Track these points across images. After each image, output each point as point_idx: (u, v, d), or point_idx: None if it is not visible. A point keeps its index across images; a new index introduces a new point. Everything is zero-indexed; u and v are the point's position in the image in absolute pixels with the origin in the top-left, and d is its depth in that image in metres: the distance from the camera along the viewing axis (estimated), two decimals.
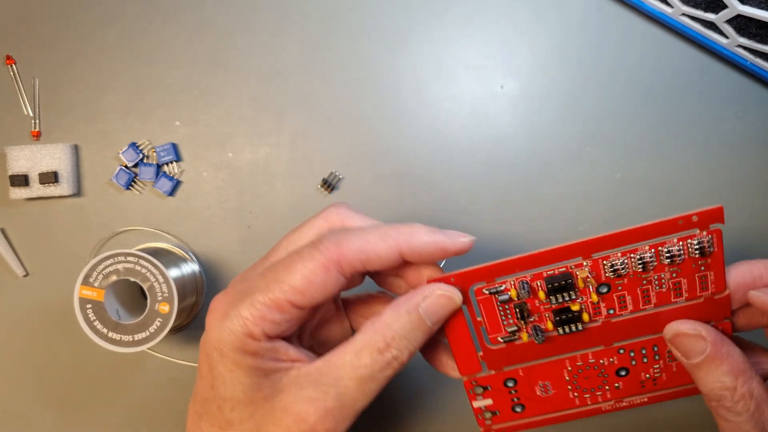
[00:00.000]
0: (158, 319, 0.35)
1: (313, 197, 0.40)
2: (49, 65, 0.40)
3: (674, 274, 0.26)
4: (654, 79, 0.39)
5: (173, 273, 0.36)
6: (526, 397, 0.29)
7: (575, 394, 0.29)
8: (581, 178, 0.39)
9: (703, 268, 0.26)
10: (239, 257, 0.40)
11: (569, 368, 0.28)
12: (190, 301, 0.38)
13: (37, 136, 0.40)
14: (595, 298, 0.26)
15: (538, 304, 0.27)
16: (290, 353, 0.26)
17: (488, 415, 0.30)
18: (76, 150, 0.40)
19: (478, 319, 0.27)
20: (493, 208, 0.39)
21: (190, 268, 0.39)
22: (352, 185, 0.40)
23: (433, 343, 0.30)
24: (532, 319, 0.27)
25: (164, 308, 0.35)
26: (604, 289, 0.26)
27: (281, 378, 0.25)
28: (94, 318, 0.34)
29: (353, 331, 0.31)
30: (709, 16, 0.34)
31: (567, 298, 0.26)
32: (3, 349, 0.41)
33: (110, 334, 0.34)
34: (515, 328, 0.27)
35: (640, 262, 0.25)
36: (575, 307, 0.26)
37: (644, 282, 0.26)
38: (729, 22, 0.34)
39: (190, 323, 0.40)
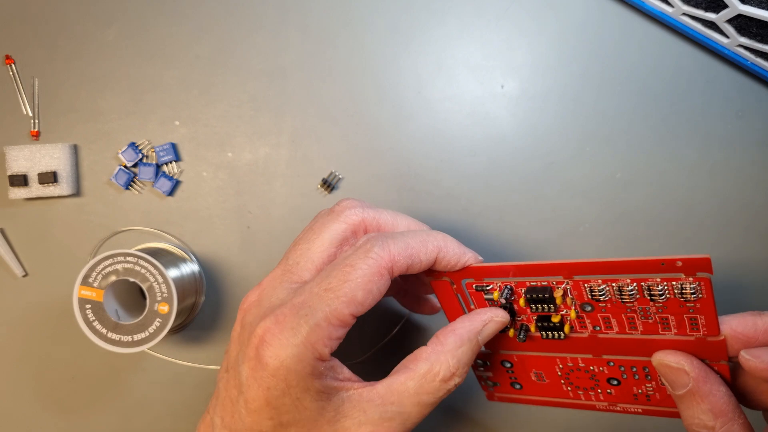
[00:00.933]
0: (157, 319, 0.34)
1: (313, 197, 0.40)
2: (49, 65, 0.40)
3: (660, 310, 0.25)
4: (654, 79, 0.39)
5: (172, 273, 0.36)
6: (523, 379, 0.30)
7: (568, 388, 0.29)
8: (581, 178, 0.39)
9: (692, 310, 0.24)
10: (239, 257, 0.40)
11: (560, 366, 0.29)
12: (190, 301, 0.38)
13: (37, 135, 0.40)
14: (573, 315, 0.26)
15: (524, 306, 0.27)
16: (345, 373, 0.26)
17: (489, 383, 0.31)
18: (75, 150, 0.40)
19: (472, 307, 0.29)
20: (493, 208, 0.39)
21: (190, 268, 0.39)
22: (352, 185, 0.40)
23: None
24: (519, 318, 0.28)
25: (163, 308, 0.35)
26: (588, 308, 0.26)
27: (343, 402, 0.25)
28: (94, 318, 0.34)
29: None
30: (710, 16, 0.34)
31: (546, 310, 0.27)
32: (2, 349, 0.41)
33: (109, 335, 0.34)
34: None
35: (619, 292, 0.25)
36: (556, 319, 0.27)
37: (628, 310, 0.25)
38: (730, 21, 0.34)
39: (189, 323, 0.40)
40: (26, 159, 0.39)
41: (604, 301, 0.25)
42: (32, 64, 0.40)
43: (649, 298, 0.24)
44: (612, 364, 0.28)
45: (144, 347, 0.34)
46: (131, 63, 0.40)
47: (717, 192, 0.38)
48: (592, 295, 0.25)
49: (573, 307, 0.26)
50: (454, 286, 0.28)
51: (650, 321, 0.25)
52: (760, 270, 0.38)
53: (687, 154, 0.39)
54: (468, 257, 0.27)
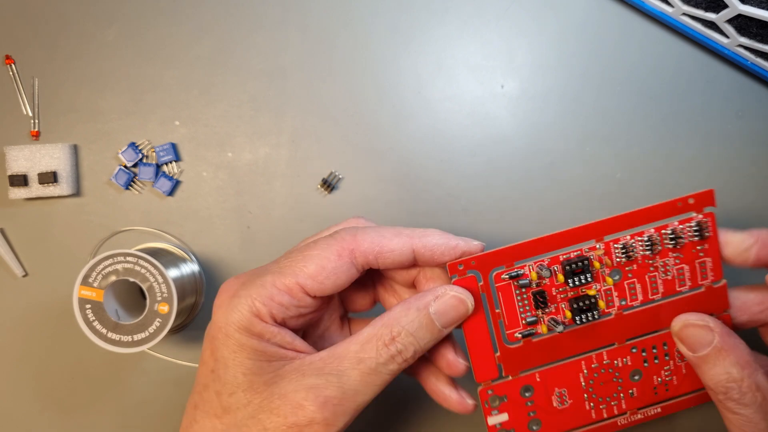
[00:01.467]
0: (157, 319, 0.34)
1: (313, 197, 0.40)
2: (49, 65, 0.40)
3: (677, 261, 0.27)
4: (654, 79, 0.39)
5: (172, 273, 0.36)
6: (543, 409, 0.29)
7: (591, 404, 0.29)
8: (582, 178, 0.39)
9: (702, 254, 0.27)
10: (239, 257, 0.40)
11: (585, 372, 0.28)
12: (190, 301, 0.38)
13: (37, 135, 0.40)
14: (610, 281, 0.27)
15: (555, 293, 0.27)
16: (296, 344, 0.26)
17: None
18: (75, 150, 0.40)
19: (497, 311, 0.27)
20: (493, 208, 0.39)
21: (190, 268, 0.39)
22: (352, 185, 0.40)
23: (431, 368, 0.29)
24: (549, 310, 0.27)
25: (163, 308, 0.35)
26: (616, 277, 0.27)
27: (284, 365, 0.25)
28: (94, 318, 0.34)
29: (345, 317, 0.32)
30: (710, 16, 0.34)
31: (584, 281, 0.26)
32: (2, 349, 0.41)
33: (109, 335, 0.34)
34: (534, 319, 0.27)
35: (648, 243, 0.27)
36: (592, 292, 0.27)
37: (651, 268, 0.27)
38: (730, 21, 0.34)
39: (189, 323, 0.40)
40: (26, 159, 0.39)
41: (633, 260, 0.27)
42: (32, 64, 0.40)
43: (671, 245, 0.27)
44: (635, 350, 0.28)
45: (144, 347, 0.34)
46: (131, 63, 0.40)
47: (717, 192, 0.38)
48: (624, 252, 0.27)
49: (607, 273, 0.27)
50: (481, 283, 0.27)
51: (669, 277, 0.27)
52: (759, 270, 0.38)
53: (687, 154, 0.39)
54: (458, 243, 0.26)
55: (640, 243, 0.27)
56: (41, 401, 0.41)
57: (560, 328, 0.27)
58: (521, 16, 0.39)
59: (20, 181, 0.39)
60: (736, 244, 0.27)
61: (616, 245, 0.27)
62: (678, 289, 0.28)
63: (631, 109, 0.39)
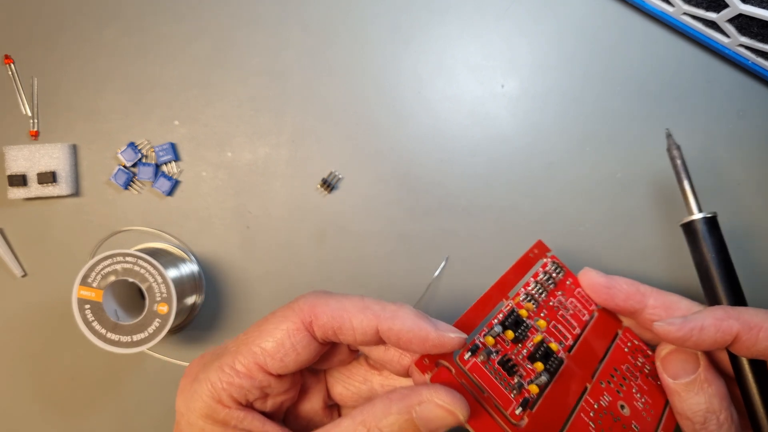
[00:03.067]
0: (157, 319, 0.34)
1: (313, 197, 0.40)
2: (48, 65, 0.40)
3: (564, 296, 0.30)
4: (655, 79, 0.38)
5: (172, 273, 0.35)
6: None
7: None
8: (582, 178, 0.39)
9: (573, 287, 0.31)
10: (238, 257, 0.40)
11: (592, 425, 0.27)
12: (189, 301, 0.38)
13: (36, 135, 0.40)
14: (543, 323, 0.28)
15: (514, 355, 0.26)
16: (267, 429, 0.24)
17: None
18: (74, 150, 0.40)
19: (485, 395, 0.25)
20: (493, 208, 0.39)
21: (189, 268, 0.39)
22: (352, 185, 0.40)
23: None
24: (522, 373, 0.26)
25: (163, 309, 0.34)
26: (542, 322, 0.28)
27: None
28: (93, 318, 0.34)
29: (333, 402, 0.29)
30: (711, 16, 0.34)
31: (525, 329, 0.27)
32: (1, 349, 0.41)
33: (109, 335, 0.34)
34: (519, 384, 0.26)
35: (538, 288, 0.29)
36: (538, 338, 0.27)
37: (555, 308, 0.29)
38: (730, 21, 0.34)
39: (188, 324, 0.40)
40: (25, 159, 0.39)
41: (541, 304, 0.29)
42: (31, 63, 0.40)
43: (552, 286, 0.30)
44: (603, 384, 0.28)
45: (143, 347, 0.34)
46: (131, 62, 0.40)
47: (718, 192, 0.38)
48: (531, 300, 0.29)
49: (535, 319, 0.28)
50: (454, 371, 0.24)
51: (571, 312, 0.30)
52: (760, 269, 0.38)
53: (687, 154, 0.38)
54: (429, 334, 0.23)
55: (533, 290, 0.29)
56: (40, 401, 0.41)
57: (544, 378, 0.26)
58: (521, 16, 0.39)
59: (19, 181, 0.39)
60: (590, 283, 0.29)
61: (520, 297, 0.29)
62: (583, 320, 0.30)
63: (632, 109, 0.39)
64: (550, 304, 0.29)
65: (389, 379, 0.28)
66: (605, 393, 0.28)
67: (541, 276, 0.30)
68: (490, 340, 0.26)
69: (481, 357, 0.25)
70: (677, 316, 0.26)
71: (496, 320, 0.27)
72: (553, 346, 0.27)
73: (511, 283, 0.29)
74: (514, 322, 0.27)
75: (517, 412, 0.25)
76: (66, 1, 0.40)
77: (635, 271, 0.39)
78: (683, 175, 0.30)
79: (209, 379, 0.23)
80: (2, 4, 0.40)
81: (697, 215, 0.29)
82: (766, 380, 0.26)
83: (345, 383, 0.28)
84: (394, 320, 0.23)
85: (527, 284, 0.29)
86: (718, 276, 0.28)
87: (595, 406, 0.28)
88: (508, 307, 0.28)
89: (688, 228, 0.29)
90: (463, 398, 0.22)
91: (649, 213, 0.39)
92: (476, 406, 0.24)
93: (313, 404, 0.28)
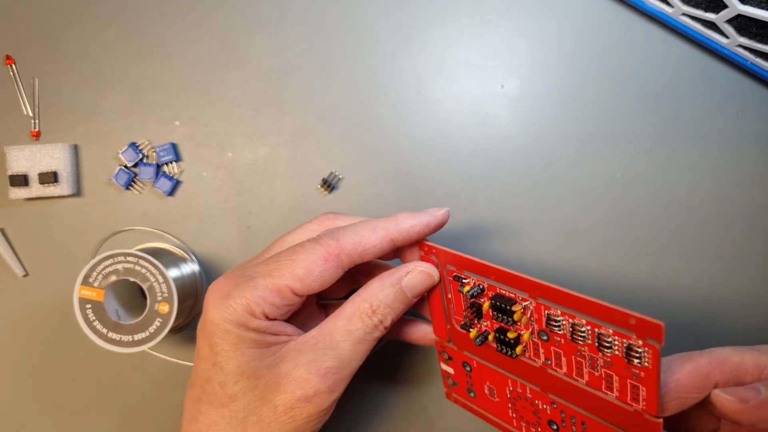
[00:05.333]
0: (158, 319, 0.34)
1: (313, 197, 0.40)
2: (49, 65, 0.40)
3: (607, 365, 0.24)
4: (654, 79, 0.39)
5: (173, 273, 0.36)
6: (477, 388, 0.31)
7: (514, 414, 0.29)
8: (582, 178, 0.39)
9: (635, 377, 0.23)
10: (239, 257, 0.40)
11: (510, 388, 0.29)
12: (190, 301, 0.38)
13: (37, 135, 0.40)
14: (527, 336, 0.26)
15: (486, 311, 0.28)
16: (287, 330, 0.28)
17: (450, 381, 0.32)
18: (75, 150, 0.40)
19: (449, 296, 0.30)
20: (493, 208, 0.39)
21: (190, 268, 0.39)
22: (352, 185, 0.40)
23: (405, 329, 0.33)
24: (483, 323, 0.28)
25: (164, 308, 0.35)
26: (544, 337, 0.26)
27: (280, 348, 0.27)
28: (94, 318, 0.34)
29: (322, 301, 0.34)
30: (710, 16, 0.34)
31: (505, 322, 0.27)
32: (2, 349, 0.41)
33: (110, 334, 0.34)
34: (467, 321, 0.29)
35: (572, 329, 0.24)
36: (512, 335, 0.27)
37: (579, 353, 0.25)
38: (729, 21, 0.34)
39: (189, 323, 0.40)
40: (26, 159, 0.39)
41: (559, 334, 0.25)
42: (32, 64, 0.40)
43: (597, 346, 0.24)
44: (555, 406, 0.27)
45: (144, 347, 0.34)
46: (131, 63, 0.40)
47: (717, 192, 0.38)
48: (548, 322, 0.25)
49: (530, 330, 0.26)
50: (438, 268, 0.29)
51: (596, 374, 0.24)
52: (760, 270, 0.38)
53: (687, 154, 0.39)
54: (429, 219, 0.29)
55: (567, 323, 0.24)
56: (41, 401, 0.41)
57: (478, 341, 0.28)
58: (521, 16, 0.39)
59: (20, 181, 0.39)
60: (726, 407, 0.24)
61: (547, 311, 0.25)
62: (604, 390, 0.24)
63: (631, 109, 0.39)
64: (577, 348, 0.25)
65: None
66: (548, 407, 0.27)
67: (601, 332, 0.23)
68: (466, 288, 0.28)
69: (460, 287, 0.29)
70: (744, 386, 0.24)
71: (492, 291, 0.27)
72: (519, 348, 0.27)
73: (558, 299, 0.24)
74: (500, 306, 0.26)
75: (459, 324, 0.30)
76: (67, 2, 0.40)
77: (635, 271, 0.39)
78: None
79: (244, 296, 0.27)
80: (3, 4, 0.40)
81: None
82: None
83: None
84: (399, 227, 0.28)
85: (572, 316, 0.24)
86: None
87: (528, 396, 0.28)
88: (514, 298, 0.26)
89: None
90: (437, 270, 0.29)
91: (649, 214, 0.39)
92: (439, 288, 0.29)
93: (308, 308, 0.33)
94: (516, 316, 0.26)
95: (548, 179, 0.39)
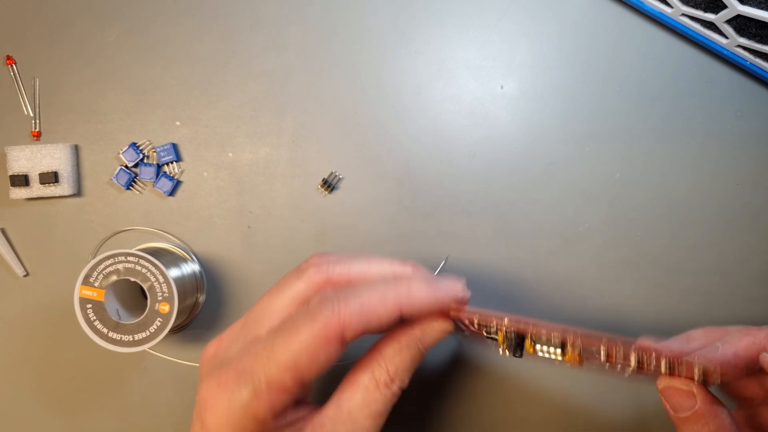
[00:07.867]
0: (158, 319, 0.35)
1: (313, 197, 0.40)
2: (49, 65, 0.40)
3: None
4: (654, 79, 0.39)
5: (173, 273, 0.36)
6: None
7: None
8: (581, 178, 0.39)
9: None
10: (239, 257, 0.40)
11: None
12: (191, 301, 0.38)
13: (38, 136, 0.40)
14: (577, 357, 0.26)
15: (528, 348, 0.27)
16: (299, 413, 0.26)
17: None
18: (76, 150, 0.40)
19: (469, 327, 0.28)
20: (492, 208, 0.39)
21: (191, 268, 0.39)
22: (352, 185, 0.40)
23: None
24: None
25: (164, 308, 0.35)
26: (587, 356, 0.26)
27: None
28: (95, 318, 0.34)
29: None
30: (709, 17, 0.34)
31: (555, 353, 0.27)
32: (3, 349, 0.41)
33: (110, 334, 0.34)
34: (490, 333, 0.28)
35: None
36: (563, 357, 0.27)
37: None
38: (729, 22, 0.34)
39: (190, 323, 0.40)
40: (27, 159, 0.39)
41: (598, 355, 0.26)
42: (33, 64, 0.40)
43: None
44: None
45: (145, 347, 0.34)
46: (132, 63, 0.40)
47: (717, 192, 0.39)
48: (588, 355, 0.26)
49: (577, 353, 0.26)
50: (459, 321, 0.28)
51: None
52: (760, 270, 0.38)
53: (686, 154, 0.39)
54: (440, 295, 0.26)
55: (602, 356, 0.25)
56: (42, 401, 0.41)
57: (519, 355, 0.27)
58: (521, 16, 0.39)
59: (21, 181, 0.39)
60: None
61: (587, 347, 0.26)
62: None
63: (631, 110, 0.39)
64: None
65: None
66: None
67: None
68: (500, 336, 0.27)
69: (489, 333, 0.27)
70: None
71: (509, 332, 0.26)
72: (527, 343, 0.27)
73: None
74: (516, 344, 0.26)
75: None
76: (67, 2, 0.40)
77: (635, 271, 0.39)
78: None
79: (251, 408, 0.24)
80: (4, 4, 0.41)
81: None
82: None
83: None
84: (411, 300, 0.25)
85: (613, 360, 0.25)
86: None
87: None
88: (560, 338, 0.26)
89: None
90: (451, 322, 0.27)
91: (649, 214, 0.39)
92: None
93: None
94: (567, 357, 0.26)
95: (548, 179, 0.39)
